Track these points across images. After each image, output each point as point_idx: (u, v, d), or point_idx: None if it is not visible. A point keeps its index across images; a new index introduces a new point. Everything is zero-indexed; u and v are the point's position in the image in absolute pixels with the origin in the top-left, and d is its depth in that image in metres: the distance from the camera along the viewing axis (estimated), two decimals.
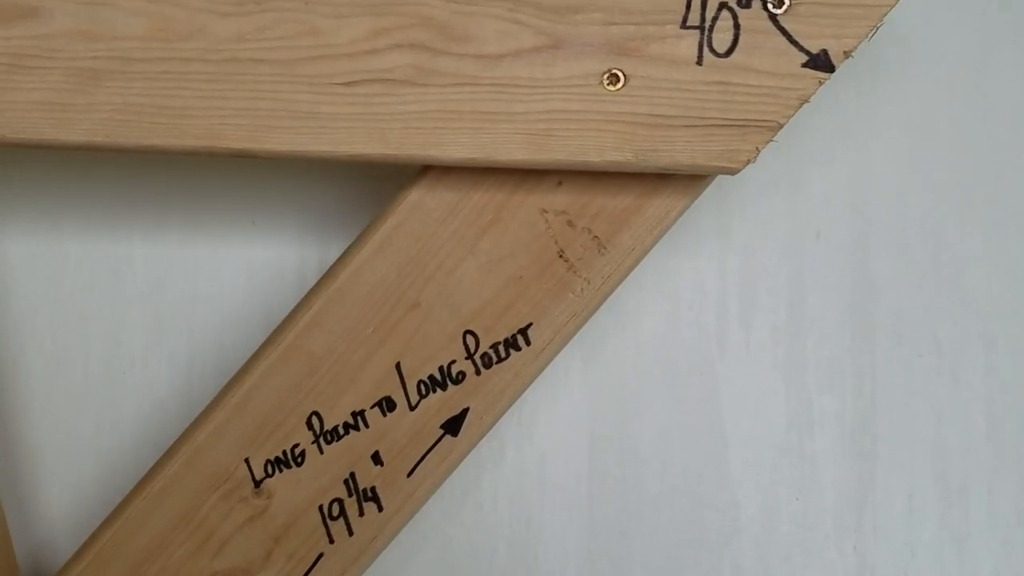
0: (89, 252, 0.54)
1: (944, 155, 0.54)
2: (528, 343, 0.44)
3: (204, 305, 0.53)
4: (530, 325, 0.44)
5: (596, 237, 0.44)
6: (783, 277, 0.54)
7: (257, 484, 0.45)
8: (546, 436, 0.54)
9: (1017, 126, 0.54)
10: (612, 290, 0.45)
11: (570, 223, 0.43)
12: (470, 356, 0.44)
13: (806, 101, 0.41)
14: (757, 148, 0.41)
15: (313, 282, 0.48)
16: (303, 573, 0.45)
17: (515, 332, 0.44)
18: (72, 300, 0.54)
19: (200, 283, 0.54)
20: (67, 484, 0.53)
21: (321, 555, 0.45)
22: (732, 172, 0.41)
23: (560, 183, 0.43)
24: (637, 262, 0.45)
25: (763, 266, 0.54)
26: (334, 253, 0.49)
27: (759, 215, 0.54)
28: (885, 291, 0.54)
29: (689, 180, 0.43)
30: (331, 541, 0.45)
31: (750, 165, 0.41)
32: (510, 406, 0.45)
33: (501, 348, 0.44)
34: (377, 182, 0.53)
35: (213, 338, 0.54)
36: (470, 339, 0.44)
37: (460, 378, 0.44)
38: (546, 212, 0.43)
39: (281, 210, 0.54)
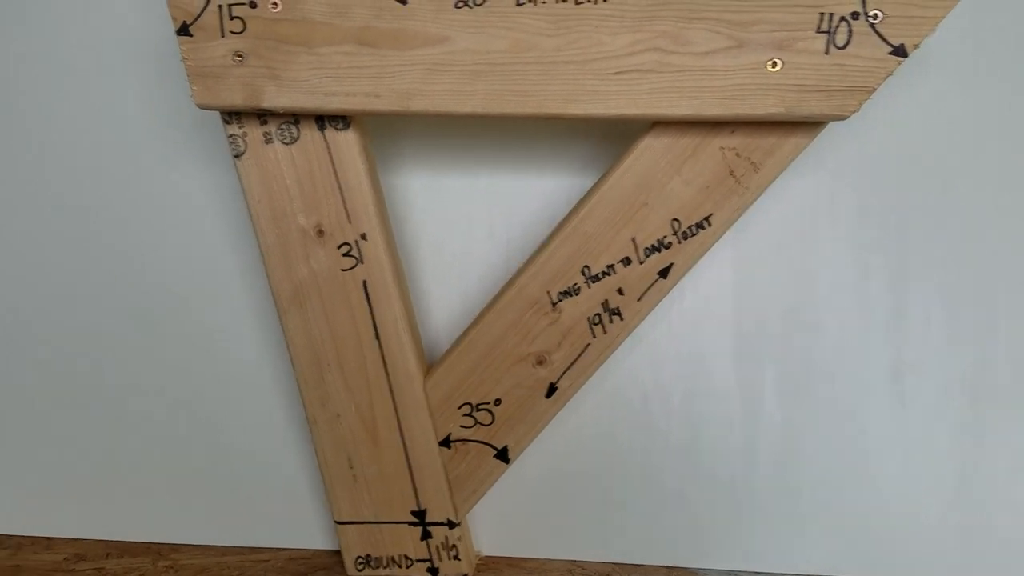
0: (456, 184, 0.54)
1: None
2: (709, 225, 0.47)
3: (523, 212, 0.53)
4: (711, 215, 0.47)
5: (753, 163, 0.46)
6: (852, 188, 0.52)
7: (554, 305, 0.49)
8: (710, 282, 0.53)
9: None
10: (760, 195, 0.47)
11: (737, 154, 0.46)
12: (675, 233, 0.47)
13: (890, 74, 0.43)
14: (860, 103, 0.43)
15: (577, 199, 0.50)
16: (577, 354, 0.49)
17: (702, 219, 0.47)
18: (446, 211, 0.54)
19: (516, 201, 0.54)
20: (443, 309, 0.55)
21: (588, 344, 0.49)
22: (843, 118, 0.43)
23: (733, 131, 0.46)
24: (777, 177, 0.46)
25: (840, 183, 0.52)
26: (591, 182, 0.50)
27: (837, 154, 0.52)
28: (914, 195, 0.52)
29: (813, 125, 0.45)
30: (594, 336, 0.49)
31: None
32: (696, 262, 0.48)
33: (693, 228, 0.47)
34: (613, 137, 0.53)
35: (526, 229, 0.54)
36: (675, 223, 0.47)
37: (669, 245, 0.48)
38: (723, 148, 0.46)
39: (561, 155, 0.54)
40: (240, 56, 0.45)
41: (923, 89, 0.52)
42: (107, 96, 0.56)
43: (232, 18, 0.45)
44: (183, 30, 0.45)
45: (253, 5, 0.45)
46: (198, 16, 0.45)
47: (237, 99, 0.46)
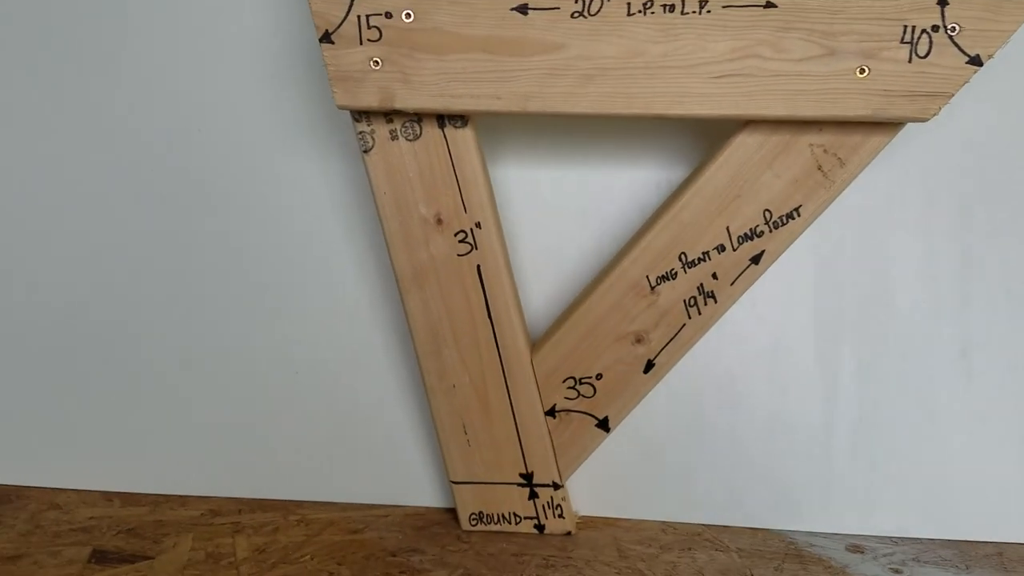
0: (551, 176, 0.59)
1: None
2: (799, 215, 0.52)
3: (614, 202, 0.58)
4: (800, 206, 0.52)
5: (839, 158, 0.51)
6: (921, 179, 0.56)
7: (652, 288, 0.54)
8: (795, 267, 0.58)
9: None
10: (845, 188, 0.51)
11: (825, 151, 0.51)
12: (767, 222, 0.52)
13: (968, 81, 0.47)
14: (940, 107, 0.47)
15: (667, 192, 0.55)
16: (673, 334, 0.54)
17: (792, 209, 0.52)
18: (542, 202, 0.59)
19: (607, 192, 0.58)
20: (540, 293, 0.59)
21: (684, 325, 0.54)
22: (924, 120, 0.48)
23: (821, 129, 0.50)
24: (861, 172, 0.51)
25: (911, 174, 0.56)
26: (679, 174, 0.56)
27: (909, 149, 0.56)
28: (978, 185, 0.56)
29: (894, 125, 0.50)
30: (689, 317, 0.54)
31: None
32: (787, 249, 0.52)
33: (784, 218, 0.52)
34: (698, 133, 0.57)
35: (616, 218, 0.58)
36: (767, 213, 0.52)
37: (761, 234, 0.52)
38: (812, 144, 0.51)
39: (648, 150, 0.58)
40: (377, 62, 0.51)
41: (987, 88, 0.55)
42: (238, 99, 0.61)
43: (370, 27, 0.50)
44: (325, 38, 0.51)
45: (388, 15, 0.50)
46: (339, 25, 0.51)
47: (373, 101, 0.51)
